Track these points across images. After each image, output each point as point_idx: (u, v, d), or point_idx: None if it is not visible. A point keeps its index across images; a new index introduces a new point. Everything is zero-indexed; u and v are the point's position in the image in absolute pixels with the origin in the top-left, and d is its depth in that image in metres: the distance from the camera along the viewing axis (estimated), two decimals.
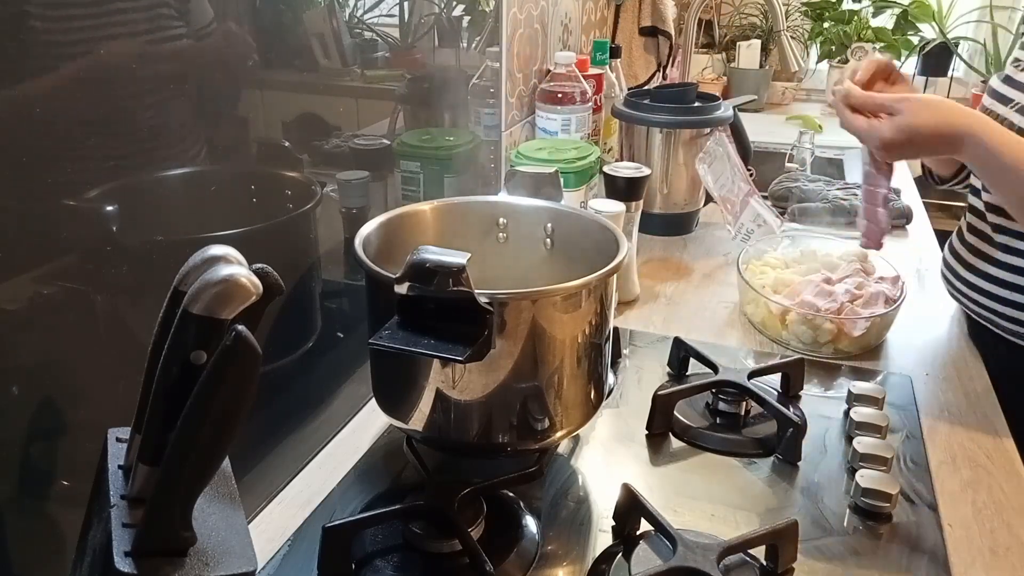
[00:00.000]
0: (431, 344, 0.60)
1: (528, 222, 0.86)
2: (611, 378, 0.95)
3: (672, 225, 1.43)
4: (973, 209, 1.06)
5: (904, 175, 1.79)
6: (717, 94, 1.48)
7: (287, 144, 0.79)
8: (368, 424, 0.88)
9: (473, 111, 1.22)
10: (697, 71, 2.39)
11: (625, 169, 1.11)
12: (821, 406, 0.92)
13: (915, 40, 2.48)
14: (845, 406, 0.91)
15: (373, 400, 0.79)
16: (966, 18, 2.52)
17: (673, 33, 2.06)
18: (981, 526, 0.74)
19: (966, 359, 1.03)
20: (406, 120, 1.03)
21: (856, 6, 2.48)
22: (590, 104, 1.40)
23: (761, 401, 0.86)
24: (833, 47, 2.47)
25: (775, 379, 0.94)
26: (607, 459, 0.83)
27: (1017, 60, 1.03)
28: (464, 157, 1.13)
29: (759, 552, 0.68)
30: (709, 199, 1.40)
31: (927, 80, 2.51)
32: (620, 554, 0.69)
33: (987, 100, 1.04)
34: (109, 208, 0.58)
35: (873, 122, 0.91)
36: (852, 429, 0.85)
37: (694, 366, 0.97)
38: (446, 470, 0.77)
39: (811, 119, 2.15)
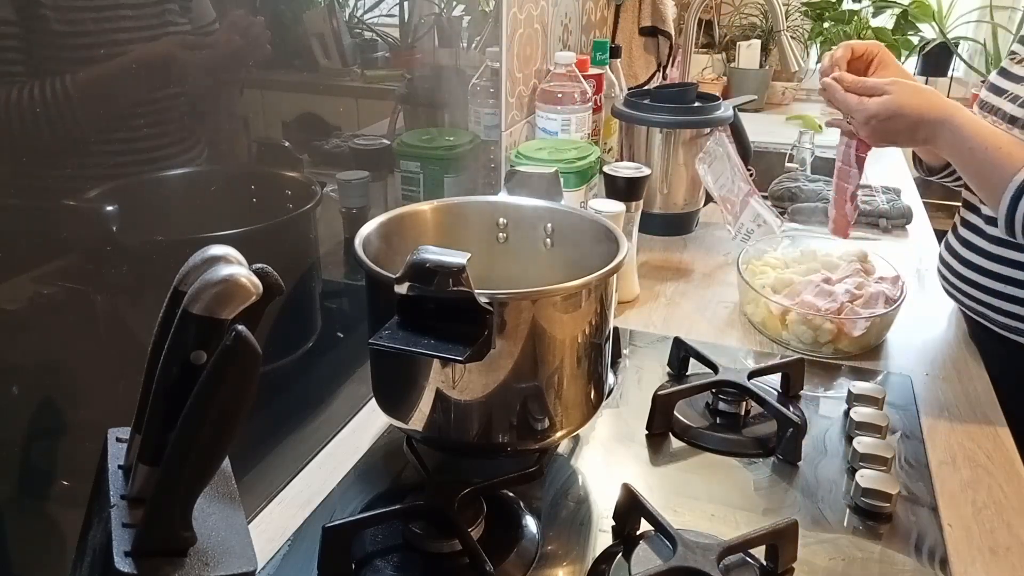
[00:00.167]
0: (431, 344, 0.60)
1: (528, 222, 0.86)
2: (611, 378, 0.95)
3: (672, 225, 1.43)
4: (968, 203, 1.06)
5: (904, 175, 1.79)
6: (717, 94, 1.48)
7: (287, 144, 0.79)
8: (368, 424, 0.88)
9: (473, 111, 1.22)
10: (697, 71, 2.39)
11: (625, 169, 1.11)
12: (821, 406, 0.92)
13: (915, 40, 2.49)
14: (845, 406, 0.91)
15: (373, 400, 0.79)
16: (966, 18, 2.52)
17: (673, 33, 2.06)
18: (981, 526, 0.74)
19: (966, 359, 1.03)
20: (406, 120, 1.03)
21: (856, 6, 2.48)
22: (590, 104, 1.40)
23: (761, 401, 0.86)
24: (833, 47, 2.47)
25: (775, 379, 0.94)
26: (607, 459, 0.83)
27: (1013, 53, 1.04)
28: (464, 157, 1.13)
29: (759, 552, 0.68)
30: (709, 199, 1.40)
31: (927, 80, 2.51)
32: (620, 554, 0.69)
33: (984, 93, 1.05)
34: (109, 208, 0.58)
35: (863, 98, 0.96)
36: (852, 429, 0.85)
37: (694, 366, 0.97)
38: (446, 470, 0.77)
39: (811, 119, 2.15)
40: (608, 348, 0.77)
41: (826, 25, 2.50)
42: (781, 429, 0.83)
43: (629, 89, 1.66)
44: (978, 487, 0.80)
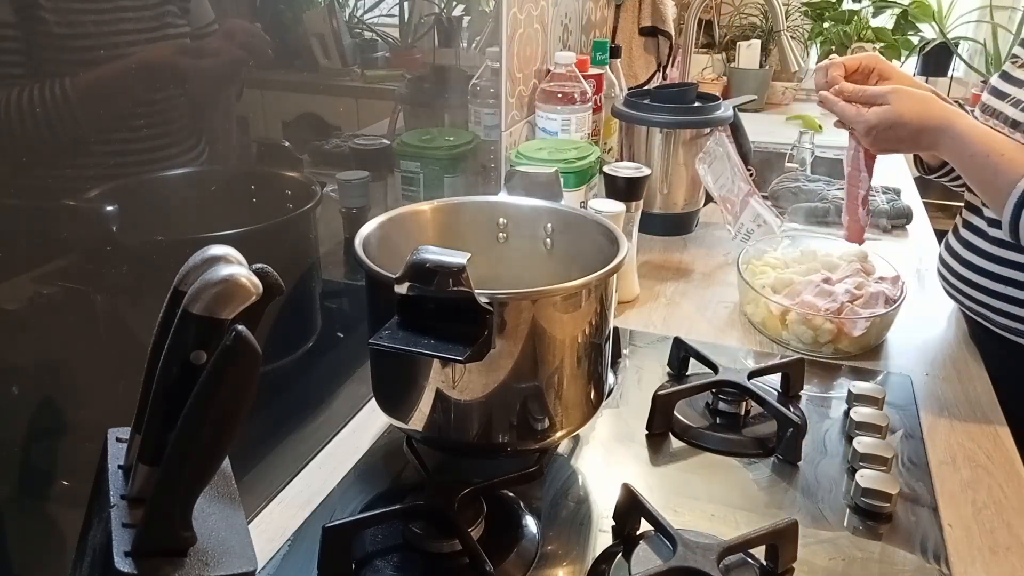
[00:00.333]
0: (431, 344, 0.60)
1: (528, 222, 0.86)
2: (611, 378, 0.95)
3: (672, 225, 1.43)
4: (970, 205, 1.07)
5: (904, 175, 1.79)
6: (717, 94, 1.48)
7: (287, 144, 0.79)
8: (368, 424, 0.88)
9: (473, 111, 1.22)
10: (697, 71, 2.39)
11: (625, 169, 1.11)
12: (821, 406, 0.92)
13: (915, 40, 2.49)
14: (845, 406, 0.91)
15: (373, 400, 0.79)
16: (966, 18, 2.52)
17: (673, 33, 2.06)
18: (981, 526, 0.74)
19: (966, 359, 1.03)
20: (406, 120, 1.03)
21: (856, 6, 2.49)
22: (590, 104, 1.40)
23: (761, 401, 0.86)
24: (833, 47, 2.47)
25: (775, 379, 0.94)
26: (607, 459, 0.83)
27: (1015, 57, 1.04)
28: (464, 157, 1.13)
29: (759, 552, 0.68)
30: (709, 199, 1.40)
31: (927, 80, 2.51)
32: (620, 554, 0.69)
33: (986, 96, 1.05)
34: (109, 208, 0.58)
35: (861, 109, 0.96)
36: (852, 429, 0.85)
37: (694, 366, 0.97)
38: (446, 470, 0.77)
39: (811, 119, 2.15)
40: (608, 348, 0.77)
41: (826, 25, 2.50)
42: (781, 429, 0.83)
43: (629, 89, 1.66)
44: (978, 487, 0.80)
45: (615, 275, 0.74)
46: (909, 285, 1.10)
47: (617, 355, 1.00)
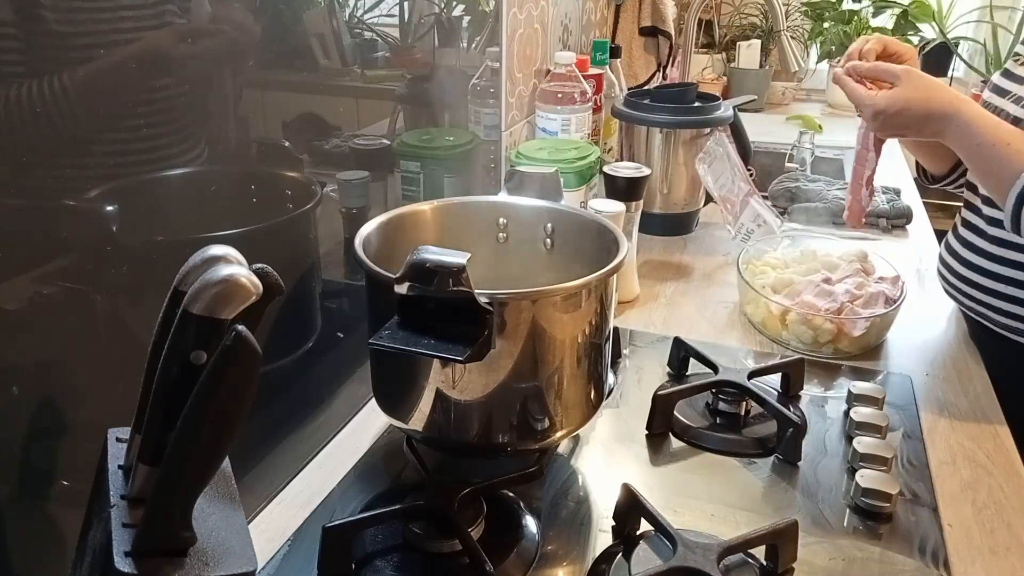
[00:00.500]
0: (431, 344, 0.60)
1: (528, 222, 0.86)
2: (611, 378, 0.95)
3: (672, 225, 1.43)
4: (969, 204, 1.07)
5: (904, 175, 1.79)
6: (717, 94, 1.48)
7: (287, 144, 0.79)
8: (368, 424, 0.88)
9: (473, 111, 1.22)
10: (697, 71, 2.39)
11: (625, 169, 1.11)
12: (821, 406, 0.92)
13: (915, 40, 2.48)
14: (845, 406, 0.91)
15: (373, 400, 0.79)
16: (966, 18, 2.52)
17: (673, 33, 2.06)
18: (981, 526, 0.74)
19: (966, 359, 1.03)
20: (406, 120, 1.03)
21: (856, 6, 2.48)
22: (590, 104, 1.40)
23: (761, 401, 0.86)
24: (833, 47, 2.47)
25: (775, 379, 0.94)
26: (607, 459, 0.83)
27: (1017, 55, 1.04)
28: (464, 157, 1.13)
29: (759, 552, 0.68)
30: (709, 199, 1.40)
31: None
32: (620, 554, 0.69)
33: (987, 94, 1.05)
34: (109, 208, 0.58)
35: (872, 91, 0.96)
36: (852, 429, 0.85)
37: (694, 366, 0.97)
38: (446, 470, 0.77)
39: (811, 119, 2.15)
40: (608, 348, 0.77)
41: (826, 25, 2.50)
42: (781, 429, 0.83)
43: (629, 89, 1.66)
44: (978, 487, 0.80)
45: (615, 275, 0.74)
46: (909, 285, 1.10)
47: (617, 355, 1.00)
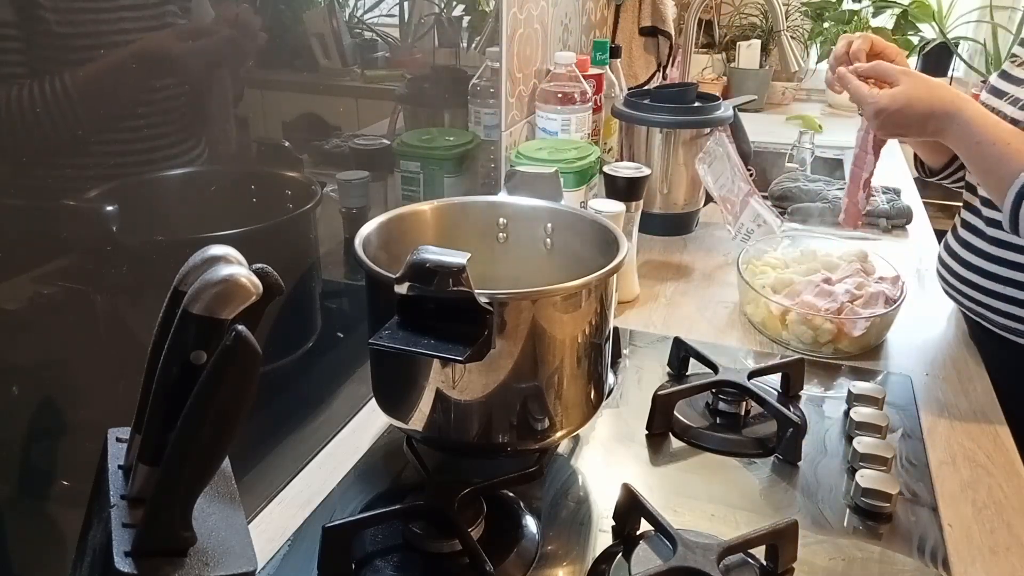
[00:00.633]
0: (431, 344, 0.60)
1: (528, 222, 0.86)
2: (611, 378, 0.95)
3: (672, 225, 1.43)
4: (968, 205, 1.07)
5: (904, 175, 1.79)
6: (717, 94, 1.48)
7: (287, 144, 0.79)
8: (368, 424, 0.88)
9: (473, 111, 1.22)
10: (697, 71, 2.39)
11: (625, 169, 1.11)
12: (821, 406, 0.92)
13: (915, 40, 2.48)
14: (845, 406, 0.91)
15: (373, 400, 0.79)
16: (966, 18, 2.52)
17: (673, 33, 2.06)
18: (981, 526, 0.74)
19: (966, 359, 1.03)
20: (406, 120, 1.03)
21: (856, 6, 2.48)
22: (590, 104, 1.40)
23: (761, 401, 0.86)
24: (833, 47, 2.47)
25: (775, 379, 0.94)
26: (607, 459, 0.83)
27: (1015, 56, 1.04)
28: (464, 157, 1.13)
29: (759, 552, 0.68)
30: (709, 199, 1.40)
31: None
32: (620, 554, 0.69)
33: (984, 95, 1.05)
34: (109, 208, 0.58)
35: (874, 89, 0.97)
36: (852, 429, 0.85)
37: (694, 366, 0.97)
38: (446, 470, 0.77)
39: (811, 119, 2.15)
40: (608, 348, 0.77)
41: (826, 25, 2.50)
42: (781, 429, 0.83)
43: (629, 89, 1.66)
44: (978, 487, 0.80)
45: (615, 275, 0.74)
46: (909, 285, 1.10)
47: (617, 355, 1.00)
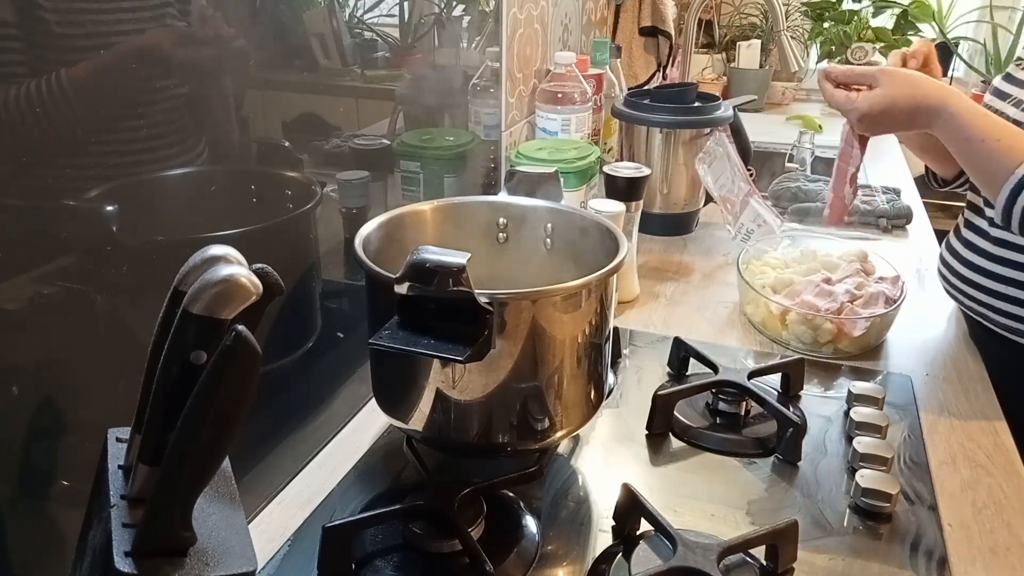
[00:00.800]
0: (431, 344, 0.60)
1: (528, 222, 0.86)
2: (611, 378, 0.95)
3: (672, 225, 1.43)
4: (971, 205, 1.07)
5: (904, 175, 1.79)
6: (717, 94, 1.48)
7: (287, 144, 0.79)
8: (368, 424, 0.88)
9: (473, 111, 1.22)
10: (697, 71, 2.39)
11: (625, 169, 1.11)
12: (821, 406, 0.92)
13: (915, 40, 2.48)
14: (845, 406, 0.91)
15: (373, 400, 0.79)
16: (966, 18, 2.52)
17: (673, 33, 2.06)
18: (981, 526, 0.74)
19: (966, 359, 1.03)
20: (406, 120, 1.03)
21: (856, 6, 2.48)
22: (590, 104, 1.40)
23: (761, 401, 0.86)
24: (833, 47, 2.47)
25: (775, 379, 0.94)
26: (607, 459, 0.83)
27: (1019, 59, 1.04)
28: (464, 157, 1.13)
29: (759, 552, 0.68)
30: (709, 199, 1.40)
31: None
32: (620, 554, 0.69)
33: (987, 97, 1.05)
34: (109, 208, 0.58)
35: (851, 95, 0.96)
36: (852, 429, 0.85)
37: (694, 366, 0.97)
38: (446, 470, 0.77)
39: (811, 119, 2.15)
40: (608, 348, 0.77)
41: (826, 25, 2.50)
42: (781, 429, 0.83)
43: (629, 89, 1.66)
44: (978, 487, 0.80)
45: (615, 275, 0.74)
46: (909, 285, 1.10)
47: (617, 355, 1.00)
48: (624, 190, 1.09)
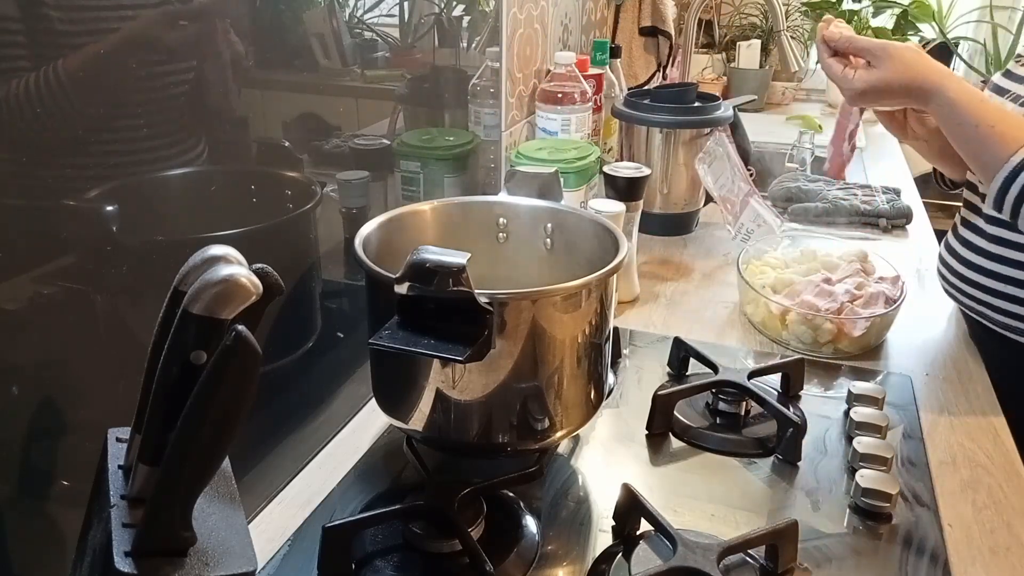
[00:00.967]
0: (431, 344, 0.60)
1: (528, 222, 0.86)
2: (611, 378, 0.95)
3: (672, 225, 1.43)
4: (968, 204, 1.07)
5: (904, 175, 1.79)
6: (717, 94, 1.48)
7: (287, 144, 0.79)
8: (368, 424, 0.88)
9: (473, 111, 1.22)
10: (697, 71, 2.39)
11: (625, 169, 1.11)
12: (821, 406, 0.92)
13: (915, 40, 2.48)
14: (845, 406, 0.91)
15: (373, 400, 0.79)
16: (966, 18, 2.52)
17: (673, 33, 2.06)
18: (981, 526, 0.74)
19: (966, 359, 1.03)
20: (406, 120, 1.03)
21: (856, 6, 2.48)
22: (590, 104, 1.40)
23: (761, 401, 0.86)
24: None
25: (775, 379, 0.94)
26: (607, 459, 0.83)
27: (1019, 56, 1.04)
28: (464, 157, 1.13)
29: (759, 552, 0.68)
30: (709, 199, 1.40)
31: None
32: (620, 554, 0.69)
33: (987, 93, 1.05)
34: (109, 208, 0.58)
35: (847, 72, 0.95)
36: (852, 429, 0.85)
37: (694, 366, 0.97)
38: (446, 470, 0.77)
39: (811, 119, 2.15)
40: (608, 348, 0.77)
41: None
42: (781, 429, 0.83)
43: (629, 89, 1.66)
44: (978, 487, 0.80)
45: (615, 275, 0.74)
46: (909, 285, 1.10)
47: (617, 355, 1.00)
48: (624, 190, 1.09)
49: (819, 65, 1.03)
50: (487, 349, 0.62)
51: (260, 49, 0.73)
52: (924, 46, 2.45)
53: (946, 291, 1.11)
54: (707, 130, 1.37)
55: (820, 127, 2.09)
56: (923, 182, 1.43)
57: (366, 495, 0.76)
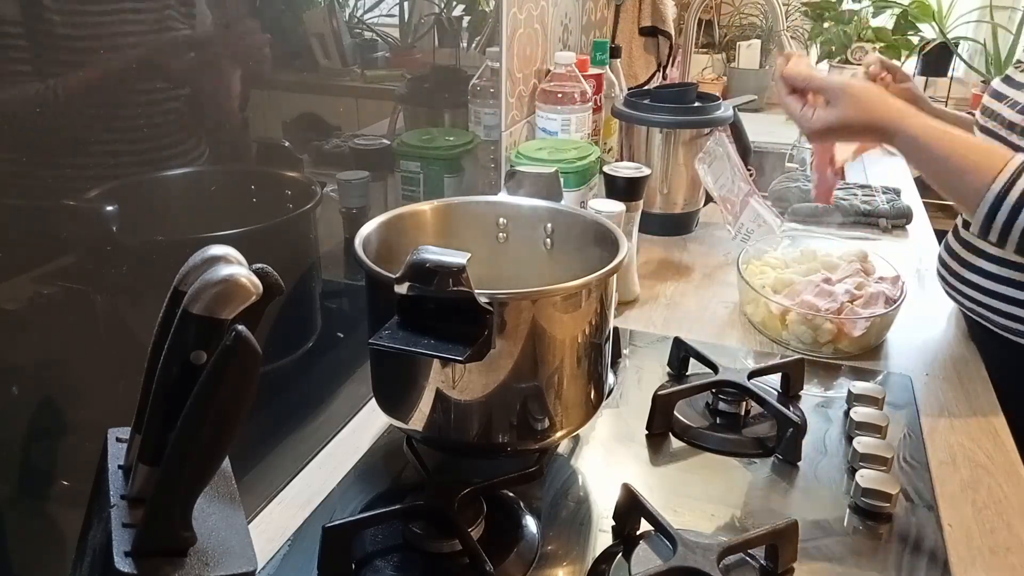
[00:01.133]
0: (431, 344, 0.60)
1: (528, 222, 0.86)
2: (611, 378, 0.95)
3: (672, 225, 1.43)
4: None
5: (904, 175, 1.79)
6: (717, 94, 1.48)
7: (287, 144, 0.79)
8: (368, 424, 0.88)
9: (473, 111, 1.22)
10: (697, 71, 2.39)
11: (625, 169, 1.11)
12: (821, 406, 0.92)
13: (915, 40, 2.48)
14: (845, 406, 0.91)
15: (373, 400, 0.79)
16: (966, 18, 2.52)
17: (673, 33, 2.06)
18: (981, 526, 0.74)
19: (966, 359, 1.03)
20: (406, 120, 1.03)
21: (856, 6, 2.48)
22: (590, 104, 1.40)
23: (761, 401, 0.86)
24: (833, 47, 2.47)
25: (775, 379, 0.94)
26: (607, 459, 0.83)
27: (1019, 61, 1.04)
28: (464, 157, 1.13)
29: (759, 552, 0.68)
30: (709, 199, 1.40)
31: (927, 80, 2.51)
32: (620, 554, 0.69)
33: (985, 99, 1.05)
34: (109, 208, 0.58)
35: (806, 111, 0.95)
36: (852, 429, 0.85)
37: (694, 366, 0.97)
38: (446, 470, 0.77)
39: None
40: (608, 348, 0.77)
41: (826, 25, 2.50)
42: (781, 429, 0.83)
43: (629, 89, 1.66)
44: (978, 487, 0.80)
45: (615, 275, 0.74)
46: (909, 285, 1.10)
47: (617, 355, 1.00)
48: (624, 190, 1.09)
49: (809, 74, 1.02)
50: (487, 349, 0.62)
51: (263, 52, 0.73)
52: (924, 46, 2.45)
53: (946, 291, 1.11)
54: (707, 130, 1.37)
55: None
56: (923, 182, 1.43)
57: (366, 495, 0.76)
